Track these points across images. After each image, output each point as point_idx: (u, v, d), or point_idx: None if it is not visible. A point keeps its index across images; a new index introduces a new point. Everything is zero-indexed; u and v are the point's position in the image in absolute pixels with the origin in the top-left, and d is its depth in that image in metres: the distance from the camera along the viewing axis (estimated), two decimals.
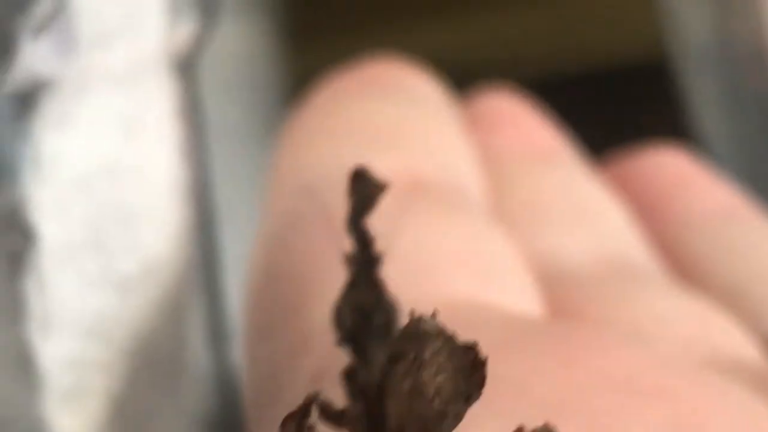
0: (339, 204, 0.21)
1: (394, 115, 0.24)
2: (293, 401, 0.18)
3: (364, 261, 0.11)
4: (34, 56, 0.19)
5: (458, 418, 0.12)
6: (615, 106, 0.54)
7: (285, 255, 0.22)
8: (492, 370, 0.17)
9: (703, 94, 0.38)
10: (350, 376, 0.11)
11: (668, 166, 0.28)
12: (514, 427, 0.13)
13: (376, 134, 0.24)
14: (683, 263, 0.25)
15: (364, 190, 0.12)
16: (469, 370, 0.12)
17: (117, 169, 0.21)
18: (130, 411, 0.22)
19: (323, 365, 0.19)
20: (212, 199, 0.24)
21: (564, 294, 0.22)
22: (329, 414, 0.12)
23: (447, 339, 0.11)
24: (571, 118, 0.32)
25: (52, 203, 0.20)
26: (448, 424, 0.12)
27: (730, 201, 0.27)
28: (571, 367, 0.17)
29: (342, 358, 0.18)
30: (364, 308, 0.11)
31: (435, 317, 0.12)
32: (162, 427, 0.22)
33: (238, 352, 0.24)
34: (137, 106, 0.21)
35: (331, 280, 0.21)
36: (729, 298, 0.23)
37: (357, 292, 0.11)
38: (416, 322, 0.11)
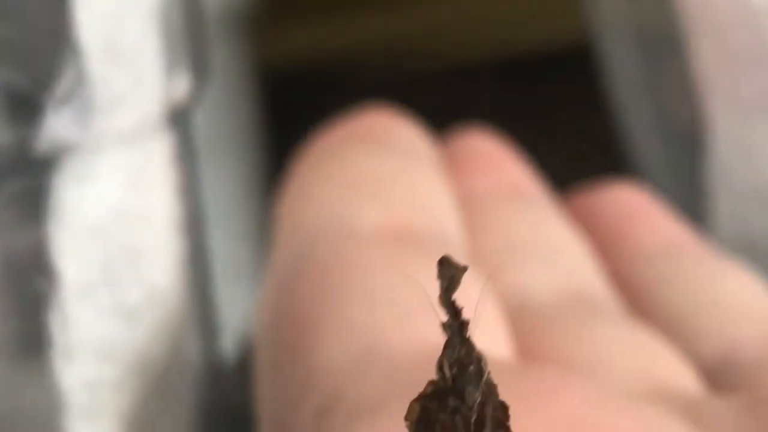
0: (334, 255, 0.24)
1: (384, 168, 0.27)
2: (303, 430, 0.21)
3: (457, 325, 0.14)
4: (58, 123, 0.22)
5: None
6: (541, 93, 0.56)
7: (291, 300, 0.24)
8: None
9: (624, 77, 0.40)
10: (449, 409, 0.14)
11: (624, 202, 0.30)
12: None
13: (367, 186, 0.26)
14: (633, 294, 0.28)
15: (449, 272, 0.15)
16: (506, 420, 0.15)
17: (126, 214, 0.24)
18: (139, 422, 0.25)
19: (326, 403, 0.22)
20: (205, 230, 0.27)
21: (528, 328, 0.24)
22: None
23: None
24: (496, 104, 0.35)
25: (71, 247, 0.23)
26: None
27: (677, 236, 0.29)
28: (536, 410, 0.20)
29: (347, 393, 0.21)
30: (462, 361, 0.14)
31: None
32: None
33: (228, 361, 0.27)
34: (142, 157, 0.24)
35: (334, 321, 0.23)
36: (671, 327, 0.26)
37: (453, 349, 0.14)
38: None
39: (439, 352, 0.22)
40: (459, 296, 0.14)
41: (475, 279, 0.25)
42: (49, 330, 0.23)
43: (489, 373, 0.14)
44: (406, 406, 0.15)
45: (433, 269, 0.24)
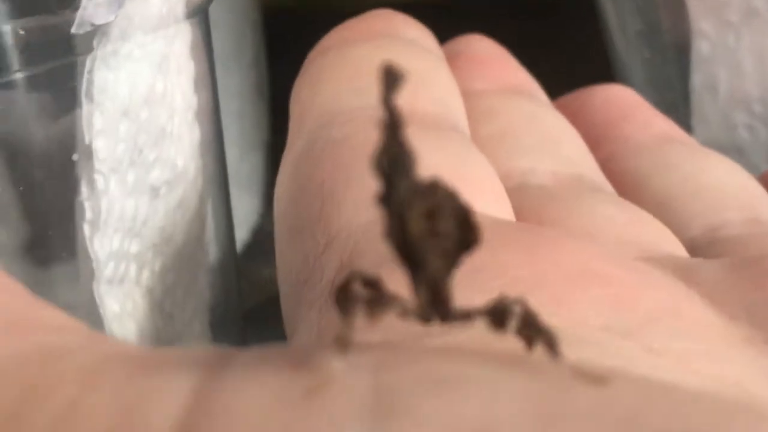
0: (348, 134, 0.26)
1: (394, 59, 0.29)
2: (323, 288, 0.23)
3: (393, 124, 0.16)
4: (93, 7, 0.23)
5: (458, 263, 0.16)
6: (531, 7, 0.56)
7: (307, 175, 0.25)
8: (478, 258, 0.22)
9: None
10: (384, 202, 0.15)
11: (614, 100, 0.32)
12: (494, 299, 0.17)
13: (375, 77, 0.28)
14: (624, 184, 0.29)
15: (390, 76, 0.16)
16: (469, 226, 0.16)
17: (151, 98, 0.25)
18: (158, 294, 0.26)
19: (346, 262, 0.23)
20: (220, 119, 0.28)
21: (528, 203, 0.26)
22: (367, 280, 0.16)
23: (455, 199, 0.16)
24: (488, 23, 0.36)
25: (102, 125, 0.24)
26: (450, 263, 0.16)
27: (667, 129, 0.31)
28: (535, 257, 0.22)
29: (365, 252, 0.22)
30: (394, 155, 0.15)
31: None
32: (181, 308, 0.27)
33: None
34: (165, 46, 0.26)
35: (350, 191, 0.25)
36: (660, 212, 0.27)
37: (388, 144, 0.16)
38: (435, 179, 0.16)
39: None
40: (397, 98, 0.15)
41: (479, 156, 0.27)
42: (81, 202, 0.24)
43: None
44: None
45: (441, 146, 0.26)
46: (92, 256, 0.25)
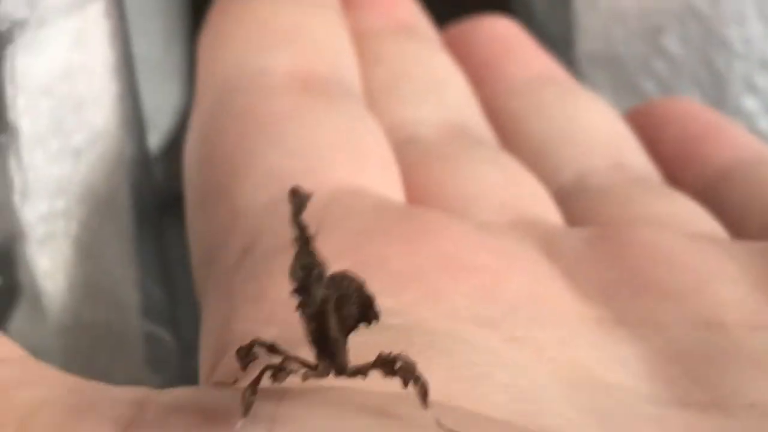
0: (249, 104, 0.28)
1: (290, 16, 0.30)
2: (228, 267, 0.25)
3: (303, 240, 0.18)
4: (11, 4, 0.25)
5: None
6: None
7: (213, 145, 0.27)
8: (361, 249, 0.24)
9: None
10: (302, 309, 0.18)
11: (496, 35, 0.34)
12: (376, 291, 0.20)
13: (276, 36, 0.29)
14: (503, 125, 0.31)
15: (298, 199, 0.19)
16: (368, 305, 0.19)
17: (70, 71, 0.27)
18: (86, 244, 0.29)
19: (248, 242, 0.25)
20: (135, 71, 0.30)
21: (414, 163, 0.28)
22: (268, 345, 0.19)
23: (359, 287, 0.19)
24: None
25: (26, 105, 0.27)
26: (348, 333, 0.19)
27: (548, 68, 0.33)
28: (417, 248, 0.24)
29: (266, 231, 0.24)
30: (307, 266, 0.18)
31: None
32: (106, 246, 0.30)
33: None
34: (80, 19, 0.28)
35: (253, 166, 0.27)
36: (534, 157, 0.30)
37: (301, 257, 0.18)
38: (345, 272, 0.19)
39: (349, 196, 0.26)
40: (305, 216, 0.18)
41: (368, 121, 0.29)
42: (10, 175, 0.27)
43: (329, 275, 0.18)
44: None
45: (332, 117, 0.28)
46: (23, 221, 0.27)
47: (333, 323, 0.18)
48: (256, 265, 0.24)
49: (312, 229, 0.18)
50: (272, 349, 0.19)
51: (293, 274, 0.18)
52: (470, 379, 0.21)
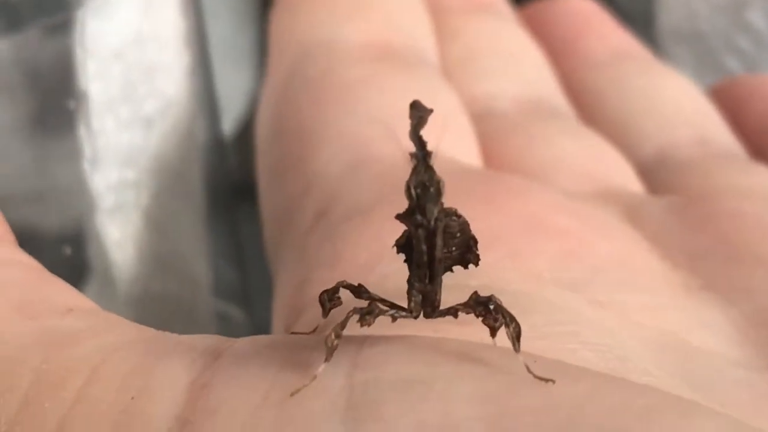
0: (323, 73, 0.27)
1: None
2: (303, 231, 0.25)
3: (422, 155, 0.18)
4: None
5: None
6: None
7: (287, 113, 0.27)
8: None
9: None
10: (415, 224, 0.18)
11: (574, 12, 0.33)
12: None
13: (350, 7, 0.29)
14: (582, 100, 0.31)
15: (418, 113, 0.18)
16: (470, 247, 0.18)
17: (141, 37, 0.27)
18: (157, 216, 0.28)
19: (323, 206, 0.24)
20: (208, 44, 0.30)
21: (492, 134, 0.28)
22: (352, 288, 0.19)
23: (464, 224, 0.18)
24: None
25: (96, 70, 0.26)
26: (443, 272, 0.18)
27: (627, 44, 0.33)
28: (496, 211, 0.23)
29: (341, 196, 0.24)
30: (425, 183, 0.18)
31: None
32: (177, 220, 0.29)
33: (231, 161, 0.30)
34: None
35: (327, 133, 0.26)
36: (615, 131, 0.29)
37: (419, 174, 0.18)
38: (454, 210, 0.18)
39: None
40: (425, 131, 0.18)
41: (446, 90, 0.28)
42: (80, 141, 0.26)
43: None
44: (394, 208, 0.18)
45: (410, 86, 0.27)
46: (93, 190, 0.27)
47: (440, 246, 0.18)
48: (331, 229, 0.24)
49: (431, 146, 0.18)
50: (358, 291, 0.19)
51: (409, 190, 0.18)
52: (555, 336, 0.20)
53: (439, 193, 0.18)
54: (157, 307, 0.28)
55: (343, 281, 0.19)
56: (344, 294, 0.19)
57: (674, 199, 0.26)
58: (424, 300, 0.18)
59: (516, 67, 0.31)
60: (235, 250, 0.32)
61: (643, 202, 0.26)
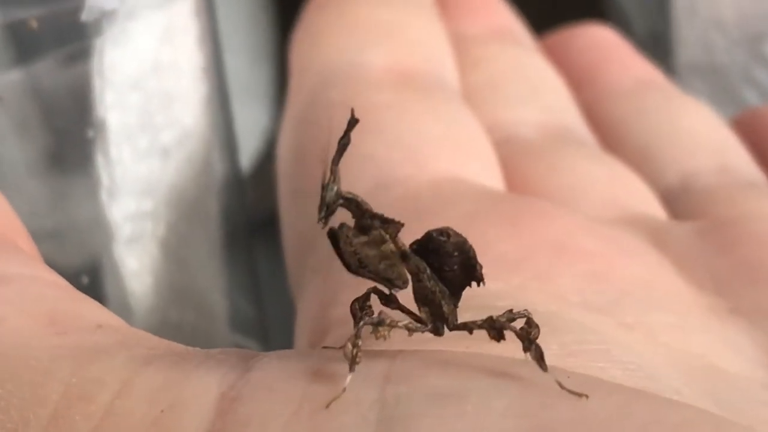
0: (345, 97, 0.27)
1: (388, 13, 0.30)
2: (326, 254, 0.24)
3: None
4: None
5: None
6: None
7: (307, 137, 0.27)
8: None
9: None
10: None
11: (595, 42, 0.33)
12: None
13: (373, 32, 0.29)
14: (604, 128, 0.31)
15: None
16: (474, 271, 0.18)
17: (159, 66, 0.27)
18: (174, 247, 0.28)
19: None
20: (225, 76, 0.30)
21: (514, 161, 0.28)
22: (382, 295, 0.18)
23: (459, 241, 0.18)
24: None
25: (114, 99, 0.26)
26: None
27: (648, 73, 0.33)
28: (521, 233, 0.23)
29: None
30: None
31: None
32: (194, 252, 0.29)
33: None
34: (169, 16, 0.27)
35: (349, 154, 0.26)
36: (638, 159, 0.29)
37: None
38: (443, 228, 0.18)
39: (451, 185, 0.25)
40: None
41: (468, 115, 0.28)
42: (98, 171, 0.26)
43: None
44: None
45: (431, 111, 0.27)
46: (110, 220, 0.27)
47: (348, 252, 0.18)
48: None
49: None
50: (388, 300, 0.18)
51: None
52: (584, 354, 0.20)
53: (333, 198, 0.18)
54: (174, 337, 0.27)
55: (374, 287, 0.19)
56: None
57: (699, 223, 0.26)
58: (432, 313, 0.18)
59: (538, 95, 0.31)
60: (252, 285, 0.31)
61: (667, 227, 0.26)
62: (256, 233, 0.33)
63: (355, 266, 0.18)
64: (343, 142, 0.18)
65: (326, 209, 0.18)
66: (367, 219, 0.18)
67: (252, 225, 0.33)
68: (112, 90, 0.26)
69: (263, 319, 0.32)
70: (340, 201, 0.18)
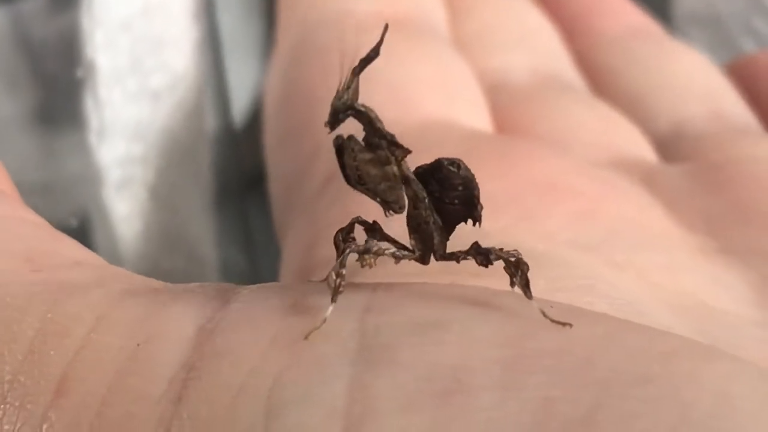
0: (334, 40, 0.27)
1: None
2: (312, 195, 0.24)
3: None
4: None
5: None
6: None
7: (297, 80, 0.27)
8: None
9: None
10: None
11: None
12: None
13: None
14: (596, 75, 0.30)
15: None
16: (473, 205, 0.18)
17: (148, 9, 0.27)
18: (164, 194, 0.28)
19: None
20: (216, 16, 0.29)
21: (504, 105, 0.27)
22: (367, 225, 0.18)
23: (467, 176, 0.18)
24: None
25: (103, 39, 0.26)
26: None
27: (640, 21, 0.32)
28: (509, 173, 0.23)
29: None
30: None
31: None
32: (185, 200, 0.29)
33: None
34: None
35: None
36: (630, 106, 0.29)
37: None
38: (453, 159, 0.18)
39: (439, 127, 0.25)
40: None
41: (458, 60, 0.28)
42: (87, 113, 0.26)
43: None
44: None
45: (420, 55, 0.27)
46: (99, 163, 0.26)
47: (351, 165, 0.18)
48: (341, 191, 0.23)
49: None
50: (373, 229, 0.18)
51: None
52: (571, 290, 0.20)
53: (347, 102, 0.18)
54: (165, 281, 0.28)
55: (358, 217, 0.18)
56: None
57: (690, 166, 0.26)
58: (422, 242, 0.18)
59: (529, 42, 0.30)
60: (244, 237, 0.31)
61: (658, 169, 0.26)
62: (249, 189, 0.33)
63: (355, 181, 0.18)
64: (371, 54, 0.18)
65: (334, 115, 0.18)
66: (376, 137, 0.18)
67: (245, 179, 0.33)
68: (102, 30, 0.26)
69: (255, 270, 0.31)
70: (350, 111, 0.18)
